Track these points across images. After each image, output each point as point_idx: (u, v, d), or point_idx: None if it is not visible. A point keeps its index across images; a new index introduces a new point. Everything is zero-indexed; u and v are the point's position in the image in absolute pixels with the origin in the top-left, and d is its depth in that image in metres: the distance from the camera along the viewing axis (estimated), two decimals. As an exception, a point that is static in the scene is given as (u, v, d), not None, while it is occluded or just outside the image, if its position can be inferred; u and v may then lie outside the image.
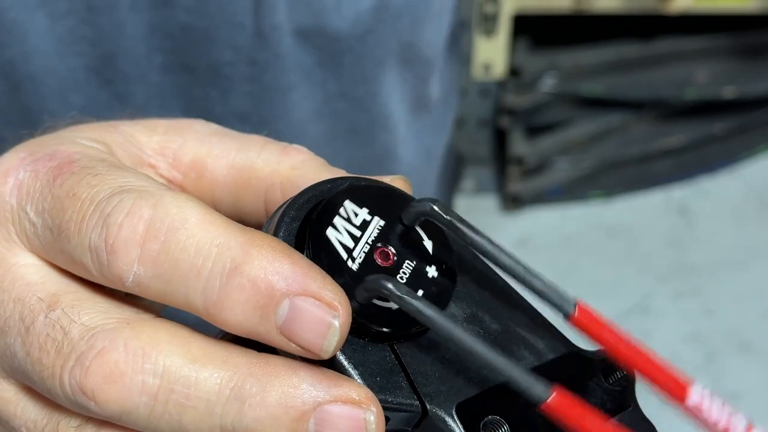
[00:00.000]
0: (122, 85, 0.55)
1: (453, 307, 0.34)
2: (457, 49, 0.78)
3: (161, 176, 0.38)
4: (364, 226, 0.34)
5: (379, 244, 0.34)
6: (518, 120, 1.84)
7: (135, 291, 0.32)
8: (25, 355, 0.33)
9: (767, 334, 1.90)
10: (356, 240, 0.33)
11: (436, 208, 0.33)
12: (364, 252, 0.33)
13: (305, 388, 0.31)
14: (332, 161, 0.55)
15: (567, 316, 0.32)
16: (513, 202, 1.85)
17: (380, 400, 0.31)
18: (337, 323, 0.30)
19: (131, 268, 0.31)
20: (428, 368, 0.33)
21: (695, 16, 1.83)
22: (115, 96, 0.55)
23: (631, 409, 0.34)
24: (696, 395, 0.30)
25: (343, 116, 0.61)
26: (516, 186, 1.84)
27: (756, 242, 2.02)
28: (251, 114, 0.58)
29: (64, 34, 0.52)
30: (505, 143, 1.86)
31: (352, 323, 0.32)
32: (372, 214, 0.34)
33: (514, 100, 1.82)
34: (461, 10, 1.76)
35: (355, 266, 0.33)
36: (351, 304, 0.31)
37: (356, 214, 0.34)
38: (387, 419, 0.32)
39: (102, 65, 0.54)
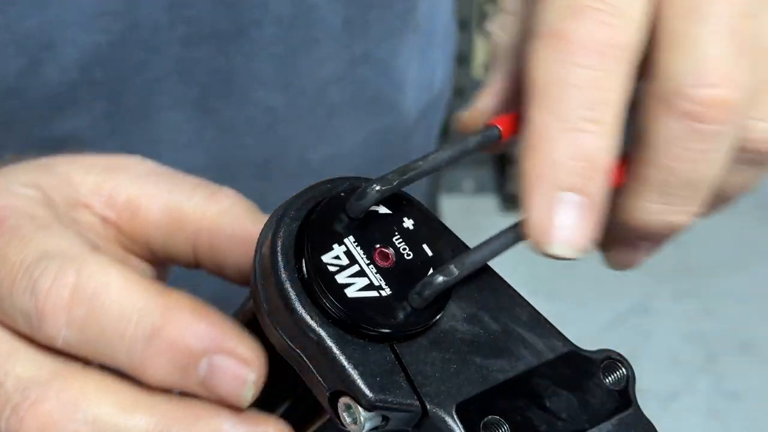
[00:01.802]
0: (140, 55, 0.55)
1: (453, 307, 0.34)
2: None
3: (96, 215, 0.40)
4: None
5: (379, 245, 0.34)
6: (518, 120, 1.84)
7: (66, 350, 0.34)
8: None
9: (767, 334, 1.91)
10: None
11: (377, 188, 0.33)
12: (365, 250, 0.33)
13: (226, 429, 0.34)
14: (354, 132, 0.56)
15: (497, 137, 0.35)
16: (513, 202, 1.85)
17: (380, 400, 0.31)
18: (252, 377, 0.34)
19: (60, 332, 0.33)
20: (428, 368, 0.33)
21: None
22: (132, 67, 0.55)
23: (631, 409, 0.34)
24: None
25: (366, 83, 0.62)
26: (516, 186, 1.84)
27: (756, 242, 2.02)
28: (275, 78, 0.58)
29: (88, 7, 0.52)
30: (505, 143, 1.86)
31: (351, 324, 0.32)
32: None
33: (514, 100, 1.81)
34: (461, 10, 1.76)
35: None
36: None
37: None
38: (387, 419, 0.32)
39: (125, 39, 0.54)
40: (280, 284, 0.32)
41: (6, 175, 0.39)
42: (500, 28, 0.38)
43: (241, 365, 0.33)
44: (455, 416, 0.32)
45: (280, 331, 0.33)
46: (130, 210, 0.40)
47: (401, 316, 0.32)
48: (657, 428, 0.34)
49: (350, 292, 0.32)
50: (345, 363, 0.32)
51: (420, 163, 0.33)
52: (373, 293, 0.33)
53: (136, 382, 0.34)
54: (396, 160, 0.38)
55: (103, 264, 0.34)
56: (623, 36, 0.32)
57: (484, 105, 0.38)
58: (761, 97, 0.33)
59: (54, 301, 0.33)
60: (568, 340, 0.35)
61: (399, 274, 0.33)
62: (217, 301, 0.35)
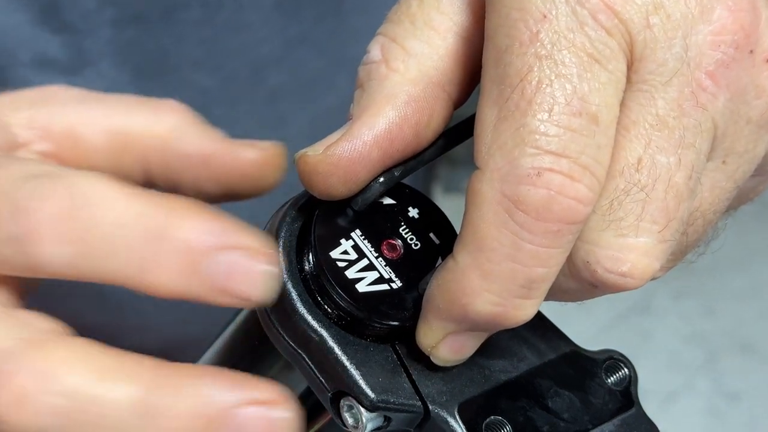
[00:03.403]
0: (72, 37, 0.55)
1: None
2: None
3: (34, 152, 0.38)
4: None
5: (386, 237, 0.33)
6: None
7: (61, 274, 0.32)
8: None
9: (767, 334, 1.91)
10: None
11: (381, 180, 0.33)
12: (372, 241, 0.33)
13: (213, 394, 0.31)
14: (297, 115, 0.54)
15: None
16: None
17: (382, 401, 0.31)
18: (267, 267, 0.31)
19: (55, 250, 0.31)
20: (430, 368, 0.33)
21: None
22: (66, 47, 0.55)
23: (633, 409, 0.34)
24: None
25: (304, 64, 0.62)
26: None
27: (756, 242, 2.02)
28: (206, 59, 0.58)
29: None
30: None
31: (353, 324, 0.32)
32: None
33: (514, 100, 1.81)
34: None
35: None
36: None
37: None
38: (389, 419, 0.32)
39: (46, 17, 0.54)
40: (281, 285, 0.32)
41: None
42: (399, 62, 0.32)
43: (254, 257, 0.30)
44: (457, 417, 0.32)
45: (281, 332, 0.33)
46: (71, 139, 0.38)
47: (413, 308, 0.32)
48: (659, 428, 0.34)
49: (361, 287, 0.32)
50: (347, 363, 0.32)
51: (424, 153, 0.33)
52: (384, 286, 0.33)
53: (116, 349, 0.32)
54: None
55: (91, 177, 0.32)
56: (583, 210, 0.29)
57: (348, 150, 0.31)
58: None
59: (47, 218, 0.31)
60: (570, 340, 0.35)
61: (408, 265, 0.33)
62: None
